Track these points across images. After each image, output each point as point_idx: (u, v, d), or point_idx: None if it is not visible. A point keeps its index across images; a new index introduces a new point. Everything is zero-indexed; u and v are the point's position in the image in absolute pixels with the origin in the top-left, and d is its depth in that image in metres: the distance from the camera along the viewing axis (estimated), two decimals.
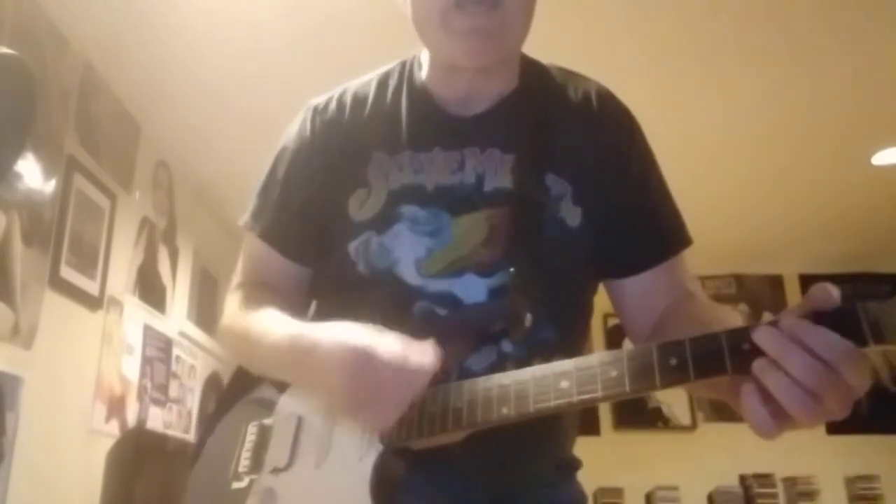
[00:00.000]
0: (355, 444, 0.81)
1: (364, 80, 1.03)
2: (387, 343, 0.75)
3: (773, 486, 4.15)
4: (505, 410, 0.71)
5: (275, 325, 0.88)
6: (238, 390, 1.01)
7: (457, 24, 0.84)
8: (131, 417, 2.70)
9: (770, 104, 2.85)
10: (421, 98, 0.97)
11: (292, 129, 1.06)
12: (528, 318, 0.81)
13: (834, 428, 4.42)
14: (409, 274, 0.88)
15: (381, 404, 0.74)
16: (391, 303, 0.87)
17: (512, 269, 0.86)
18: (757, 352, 0.60)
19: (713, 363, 0.62)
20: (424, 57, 0.99)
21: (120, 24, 2.34)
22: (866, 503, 4.16)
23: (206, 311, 3.94)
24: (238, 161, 3.31)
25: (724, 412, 4.48)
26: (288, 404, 0.91)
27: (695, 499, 4.13)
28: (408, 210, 0.90)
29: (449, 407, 0.75)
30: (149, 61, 2.55)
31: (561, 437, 0.95)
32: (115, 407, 2.57)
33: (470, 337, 0.83)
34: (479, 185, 0.90)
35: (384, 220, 0.90)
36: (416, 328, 0.78)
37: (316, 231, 0.97)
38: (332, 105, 1.02)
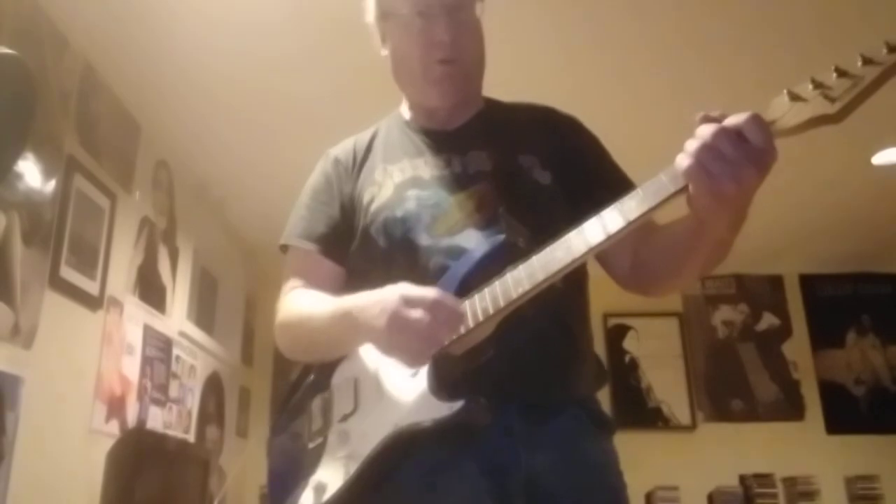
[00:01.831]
0: (406, 369, 0.98)
1: (364, 132, 1.30)
2: (414, 293, 0.94)
3: (773, 486, 4.15)
4: (521, 289, 0.91)
5: (330, 304, 1.08)
6: (296, 388, 1.18)
7: (433, 74, 1.16)
8: (131, 417, 2.70)
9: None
10: (410, 127, 1.25)
11: (314, 172, 1.29)
12: (521, 241, 1.00)
13: (834, 428, 4.44)
14: (421, 237, 1.08)
15: (424, 339, 0.92)
16: (410, 265, 1.05)
17: (502, 208, 1.07)
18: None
19: (660, 191, 0.85)
20: (403, 108, 1.29)
21: (120, 24, 2.34)
22: (866, 503, 4.15)
23: (206, 311, 3.94)
24: (238, 161, 3.31)
25: (724, 412, 4.50)
26: (340, 375, 1.09)
27: (695, 499, 4.13)
28: (413, 193, 1.13)
29: (476, 308, 0.95)
30: (149, 62, 2.55)
31: (577, 360, 1.10)
32: (115, 407, 2.57)
33: (477, 273, 0.98)
34: (465, 171, 1.14)
35: (395, 202, 1.13)
36: (434, 281, 0.99)
37: (344, 228, 1.18)
38: (340, 148, 1.28)
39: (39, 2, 2.18)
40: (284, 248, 1.25)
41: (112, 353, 2.57)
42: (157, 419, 2.94)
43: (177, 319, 3.22)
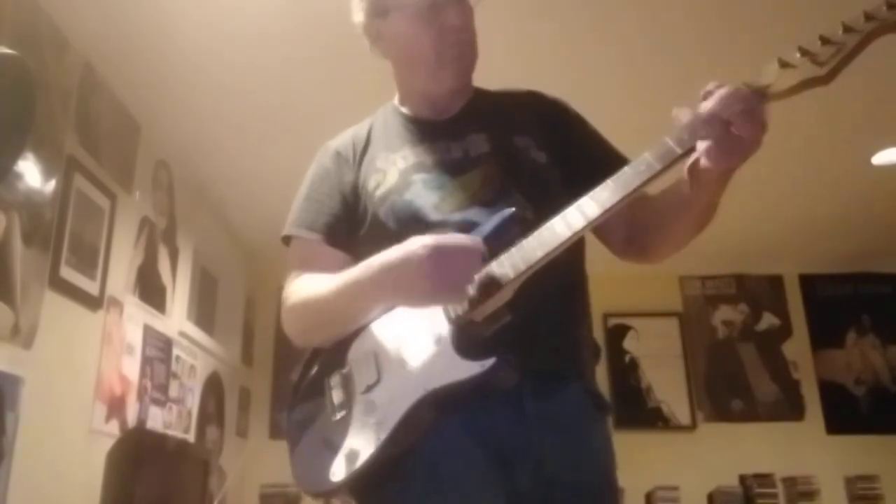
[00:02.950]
0: (427, 336, 1.03)
1: (359, 125, 1.32)
2: (439, 236, 1.00)
3: (773, 486, 4.15)
4: (540, 252, 0.97)
5: (342, 276, 1.09)
6: (308, 369, 1.19)
7: (448, 55, 1.20)
8: (131, 417, 2.70)
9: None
10: (407, 118, 1.28)
11: (313, 164, 1.31)
12: (529, 214, 1.06)
13: (834, 428, 4.44)
14: (431, 214, 1.12)
15: (458, 275, 0.97)
16: None
17: (506, 185, 1.12)
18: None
19: (668, 153, 0.95)
20: (397, 101, 1.32)
21: (120, 24, 2.34)
22: (866, 503, 4.15)
23: (206, 311, 3.94)
24: (238, 161, 3.31)
25: (724, 412, 4.50)
26: (356, 351, 1.11)
27: (695, 499, 4.13)
28: (418, 177, 1.17)
29: (495, 275, 0.99)
30: (149, 61, 2.55)
31: (581, 326, 1.17)
32: (115, 407, 2.57)
33: (489, 244, 1.02)
34: (466, 154, 1.19)
35: (402, 186, 1.16)
36: None
37: (347, 217, 1.21)
38: (339, 140, 1.30)
39: (39, 2, 2.17)
40: (286, 240, 1.25)
41: (112, 353, 2.57)
42: (157, 419, 2.94)
43: (177, 319, 3.22)
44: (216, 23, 2.38)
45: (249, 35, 2.45)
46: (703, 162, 0.93)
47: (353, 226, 1.20)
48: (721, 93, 0.93)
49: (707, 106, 0.93)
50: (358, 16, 1.26)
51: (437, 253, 0.97)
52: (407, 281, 0.99)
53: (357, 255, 1.16)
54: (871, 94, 2.78)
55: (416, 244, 0.99)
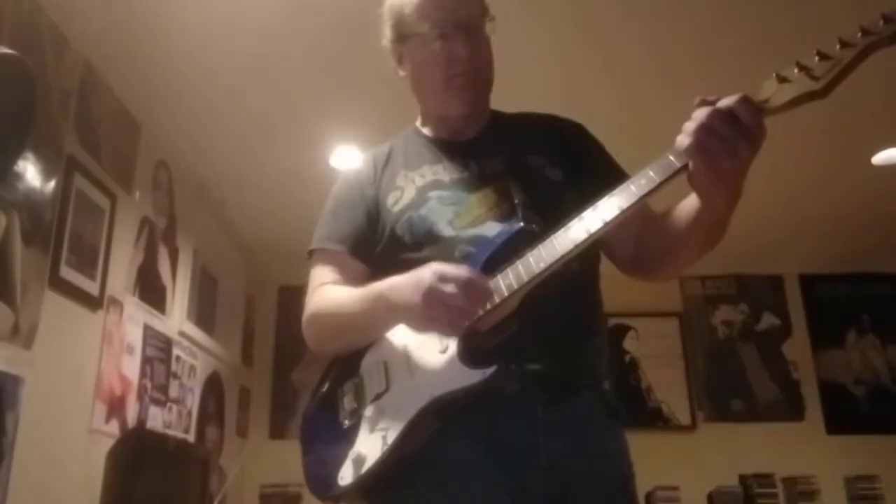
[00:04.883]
0: (435, 346, 1.06)
1: (380, 146, 1.37)
2: (448, 268, 1.01)
3: (773, 486, 4.15)
4: (542, 264, 0.99)
5: (361, 290, 1.15)
6: (324, 379, 1.23)
7: (456, 83, 1.25)
8: (131, 417, 2.70)
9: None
10: (427, 139, 1.34)
11: (336, 184, 1.37)
12: (537, 227, 1.07)
13: (834, 428, 4.44)
14: (445, 229, 1.16)
15: (458, 311, 0.98)
16: (437, 255, 1.10)
17: (518, 201, 1.14)
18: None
19: (668, 166, 0.95)
20: (418, 124, 1.38)
21: (120, 24, 2.34)
22: (866, 503, 4.15)
23: (206, 311, 3.94)
24: (238, 161, 3.31)
25: (724, 412, 4.50)
26: (368, 361, 1.15)
27: (695, 499, 4.13)
28: (435, 193, 1.21)
29: (500, 285, 1.02)
30: (149, 62, 2.55)
31: (592, 336, 1.17)
32: (115, 407, 2.57)
33: (498, 256, 1.05)
34: (482, 173, 1.23)
35: (418, 202, 1.21)
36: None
37: (369, 230, 1.25)
38: (360, 160, 1.36)
39: (39, 2, 2.17)
40: (310, 254, 1.30)
41: (112, 353, 2.57)
42: (157, 419, 2.94)
43: (177, 319, 3.22)
44: (216, 23, 2.38)
45: (250, 36, 2.45)
46: (693, 167, 0.93)
47: (374, 239, 1.24)
48: (700, 116, 0.93)
49: (688, 129, 0.93)
50: (385, 39, 1.32)
51: (439, 280, 0.99)
52: (408, 305, 1.02)
53: (375, 268, 1.22)
54: (871, 95, 2.78)
55: (426, 270, 1.02)
